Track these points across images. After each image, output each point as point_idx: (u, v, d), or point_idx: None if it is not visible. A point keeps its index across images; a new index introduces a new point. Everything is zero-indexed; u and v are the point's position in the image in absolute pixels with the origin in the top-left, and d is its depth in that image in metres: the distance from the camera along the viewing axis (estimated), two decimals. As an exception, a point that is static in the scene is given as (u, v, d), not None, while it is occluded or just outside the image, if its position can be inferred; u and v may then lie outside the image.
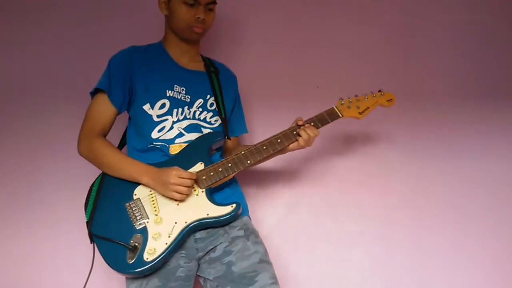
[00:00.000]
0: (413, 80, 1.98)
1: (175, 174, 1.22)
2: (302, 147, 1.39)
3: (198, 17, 1.35)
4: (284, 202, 1.80)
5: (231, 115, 1.52)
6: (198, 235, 1.29)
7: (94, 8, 1.92)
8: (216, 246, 1.29)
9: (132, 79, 1.36)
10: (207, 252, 1.29)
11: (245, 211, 1.40)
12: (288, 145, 1.38)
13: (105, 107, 1.35)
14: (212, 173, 1.30)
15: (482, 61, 2.01)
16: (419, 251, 1.75)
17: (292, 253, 1.74)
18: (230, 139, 1.44)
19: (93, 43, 1.89)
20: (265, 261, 1.28)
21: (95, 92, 1.37)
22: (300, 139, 1.37)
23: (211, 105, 1.44)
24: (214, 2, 1.40)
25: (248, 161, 1.33)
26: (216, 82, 1.47)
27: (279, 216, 1.78)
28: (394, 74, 1.97)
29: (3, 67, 1.84)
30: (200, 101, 1.42)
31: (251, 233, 1.32)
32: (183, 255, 1.26)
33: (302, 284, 1.73)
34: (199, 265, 1.30)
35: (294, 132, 1.39)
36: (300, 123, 1.39)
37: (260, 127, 1.78)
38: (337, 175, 1.83)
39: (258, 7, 1.95)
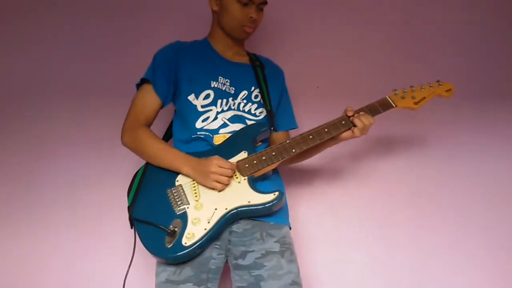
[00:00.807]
0: (413, 80, 1.97)
1: (215, 164, 1.21)
2: (357, 136, 1.32)
3: (251, 17, 1.37)
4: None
5: (277, 109, 1.50)
6: (235, 228, 1.26)
7: (94, 8, 1.92)
8: (247, 253, 1.25)
9: (176, 72, 1.38)
10: (235, 255, 1.26)
11: (286, 219, 1.36)
12: (340, 133, 1.33)
13: (150, 97, 1.36)
14: (255, 161, 1.27)
15: (482, 61, 2.00)
16: (419, 251, 1.74)
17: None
18: (276, 130, 1.43)
19: (93, 43, 1.89)
20: (297, 283, 1.24)
21: (140, 84, 1.39)
22: (355, 129, 1.31)
23: (256, 96, 1.43)
24: (266, 2, 1.42)
25: (293, 150, 1.29)
26: (262, 75, 1.47)
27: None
28: (394, 74, 1.97)
29: (3, 67, 1.84)
30: (244, 92, 1.42)
31: (287, 249, 1.27)
32: (217, 246, 1.24)
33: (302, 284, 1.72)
34: (227, 260, 1.28)
35: (343, 122, 1.33)
36: (349, 113, 1.33)
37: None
38: (337, 175, 1.83)
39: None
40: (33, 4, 1.89)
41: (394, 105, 1.39)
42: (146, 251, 1.19)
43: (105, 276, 1.62)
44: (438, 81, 1.44)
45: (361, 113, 1.34)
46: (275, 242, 1.26)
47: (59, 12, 1.89)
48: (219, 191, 1.24)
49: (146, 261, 1.21)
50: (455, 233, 1.77)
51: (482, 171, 1.86)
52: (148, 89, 1.36)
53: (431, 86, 1.42)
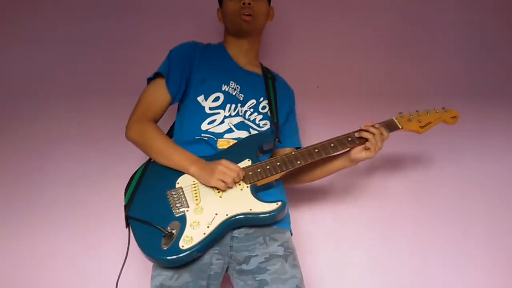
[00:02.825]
0: (413, 80, 1.98)
1: (223, 164, 1.21)
2: (371, 156, 1.32)
3: (243, 3, 1.38)
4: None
5: (283, 125, 1.49)
6: (236, 233, 1.23)
7: (94, 8, 1.92)
8: (250, 258, 1.22)
9: (190, 71, 1.37)
10: (238, 261, 1.23)
11: (288, 224, 1.35)
12: (349, 151, 1.36)
13: (161, 92, 1.34)
14: (259, 170, 1.26)
15: (482, 61, 2.00)
16: (419, 251, 1.74)
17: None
18: (281, 143, 1.42)
19: (93, 43, 1.89)
20: None
21: (153, 78, 1.37)
22: (367, 144, 1.31)
23: (263, 108, 1.43)
24: None
25: (298, 162, 1.29)
26: (272, 87, 1.47)
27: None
28: (394, 74, 1.97)
29: (3, 67, 1.84)
30: (252, 101, 1.41)
31: (290, 254, 1.25)
32: (217, 251, 1.20)
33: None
34: (228, 266, 1.25)
35: (349, 139, 1.34)
36: (364, 127, 1.34)
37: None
38: (337, 175, 1.82)
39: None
40: (33, 4, 1.89)
41: (400, 127, 1.39)
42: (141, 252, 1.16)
43: (105, 276, 1.62)
44: (443, 108, 1.45)
45: (376, 125, 1.34)
46: (278, 246, 1.24)
47: (59, 12, 1.90)
48: (222, 192, 1.22)
49: (143, 262, 1.19)
50: (455, 233, 1.77)
51: (482, 171, 1.86)
52: (160, 84, 1.34)
53: (437, 112, 1.43)
